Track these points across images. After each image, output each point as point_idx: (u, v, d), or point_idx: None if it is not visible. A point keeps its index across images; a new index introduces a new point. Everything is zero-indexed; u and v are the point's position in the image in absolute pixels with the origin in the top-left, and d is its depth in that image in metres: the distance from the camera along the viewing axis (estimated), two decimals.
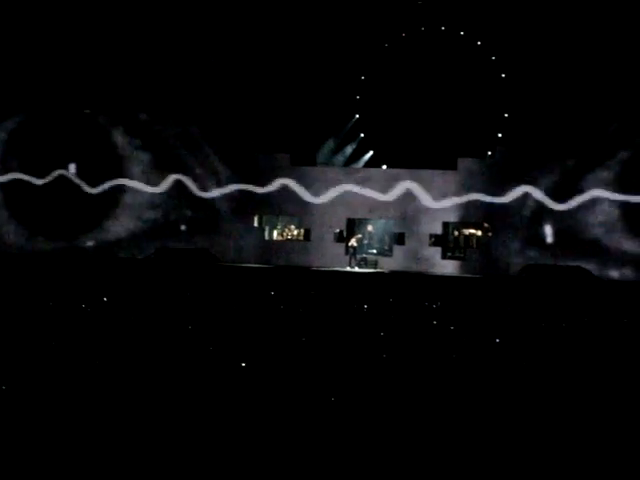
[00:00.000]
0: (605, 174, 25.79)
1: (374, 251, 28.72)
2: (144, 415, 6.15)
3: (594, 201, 25.79)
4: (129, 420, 5.96)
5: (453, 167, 27.75)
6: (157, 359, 8.60)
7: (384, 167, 29.88)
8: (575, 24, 25.60)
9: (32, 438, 5.33)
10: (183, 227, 29.17)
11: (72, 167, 29.63)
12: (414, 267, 27.36)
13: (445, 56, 28.97)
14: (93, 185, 29.49)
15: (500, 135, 28.58)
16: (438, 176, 27.87)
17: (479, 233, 28.51)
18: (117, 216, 29.36)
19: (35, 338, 9.64)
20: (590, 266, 25.13)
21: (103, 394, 6.78)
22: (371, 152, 31.14)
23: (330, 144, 30.75)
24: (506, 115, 28.51)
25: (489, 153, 28.80)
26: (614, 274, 25.37)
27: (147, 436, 5.57)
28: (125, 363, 8.30)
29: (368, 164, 31.00)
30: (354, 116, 30.97)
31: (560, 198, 26.18)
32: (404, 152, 28.80)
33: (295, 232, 30.15)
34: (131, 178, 29.46)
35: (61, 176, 29.59)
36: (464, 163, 27.69)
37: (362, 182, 28.41)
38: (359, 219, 29.36)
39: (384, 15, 28.59)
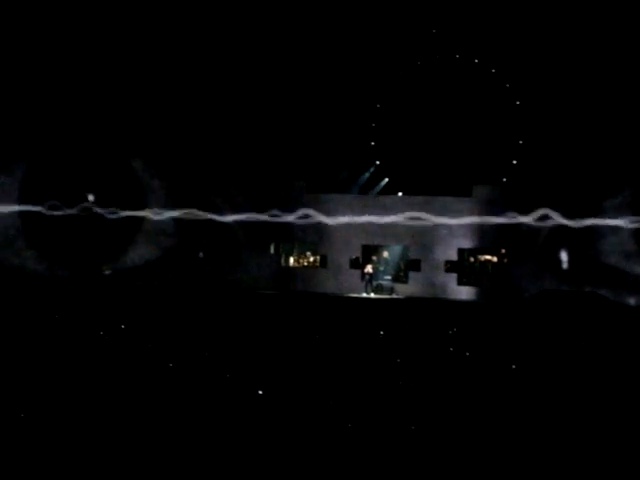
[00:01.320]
0: (621, 200, 25.83)
1: (389, 277, 28.78)
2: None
3: (609, 227, 25.80)
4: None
5: (468, 194, 27.93)
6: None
7: (399, 194, 30.05)
8: (590, 51, 25.79)
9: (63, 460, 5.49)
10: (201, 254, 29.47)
11: (91, 197, 30.00)
12: (429, 293, 27.44)
13: (459, 84, 29.21)
14: (113, 213, 29.80)
15: (515, 162, 28.70)
16: (453, 203, 28.03)
17: (494, 259, 28.55)
18: (135, 244, 29.61)
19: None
20: (606, 292, 25.05)
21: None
22: (386, 179, 31.33)
23: (345, 172, 30.96)
24: (521, 142, 28.65)
25: (504, 180, 28.91)
26: (630, 300, 25.29)
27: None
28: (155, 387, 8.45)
29: (383, 191, 31.17)
30: (370, 144, 31.19)
31: (575, 224, 26.21)
32: (419, 179, 28.96)
33: (311, 259, 30.32)
34: (149, 206, 29.78)
35: (82, 205, 29.95)
36: (479, 190, 27.87)
37: (378, 209, 28.61)
38: (375, 246, 29.51)
39: (399, 43, 28.93)
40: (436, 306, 24.25)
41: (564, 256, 26.49)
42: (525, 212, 26.89)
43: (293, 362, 10.86)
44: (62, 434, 6.35)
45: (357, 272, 28.69)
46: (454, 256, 28.04)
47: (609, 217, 25.86)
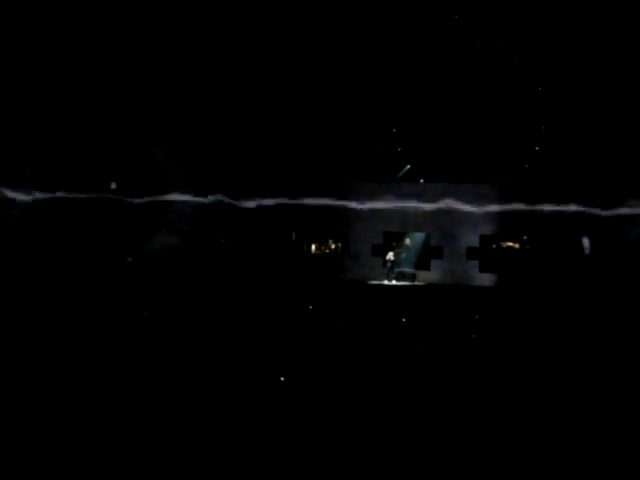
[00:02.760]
0: None
1: (411, 264, 28.78)
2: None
3: (636, 214, 25.58)
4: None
5: (490, 180, 27.80)
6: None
7: (421, 181, 29.97)
8: (614, 37, 25.47)
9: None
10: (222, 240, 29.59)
11: (113, 184, 30.20)
12: (452, 280, 27.40)
13: (482, 70, 28.98)
14: (136, 199, 29.99)
15: (537, 148, 28.48)
16: (475, 189, 27.92)
17: (517, 246, 28.43)
18: (158, 230, 29.80)
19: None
20: (631, 279, 24.87)
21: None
22: (408, 166, 31.22)
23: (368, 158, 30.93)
24: (543, 128, 28.41)
25: (526, 166, 28.71)
26: None
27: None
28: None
29: (405, 178, 31.09)
30: (392, 130, 31.09)
31: (600, 211, 26.02)
32: (441, 166, 28.87)
33: (333, 246, 30.38)
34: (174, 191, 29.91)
35: (104, 191, 30.17)
36: (502, 176, 27.73)
37: (400, 196, 28.56)
38: (397, 233, 29.49)
39: (421, 30, 28.75)
40: (458, 293, 24.20)
41: (587, 243, 26.30)
42: (547, 200, 26.73)
43: (313, 350, 10.91)
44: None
45: (379, 259, 28.70)
46: (476, 243, 27.94)
47: (635, 203, 25.63)
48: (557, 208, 26.65)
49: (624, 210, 25.74)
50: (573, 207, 26.40)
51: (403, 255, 29.07)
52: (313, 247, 30.78)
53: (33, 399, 6.98)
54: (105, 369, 8.66)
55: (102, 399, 7.14)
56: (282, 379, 8.39)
